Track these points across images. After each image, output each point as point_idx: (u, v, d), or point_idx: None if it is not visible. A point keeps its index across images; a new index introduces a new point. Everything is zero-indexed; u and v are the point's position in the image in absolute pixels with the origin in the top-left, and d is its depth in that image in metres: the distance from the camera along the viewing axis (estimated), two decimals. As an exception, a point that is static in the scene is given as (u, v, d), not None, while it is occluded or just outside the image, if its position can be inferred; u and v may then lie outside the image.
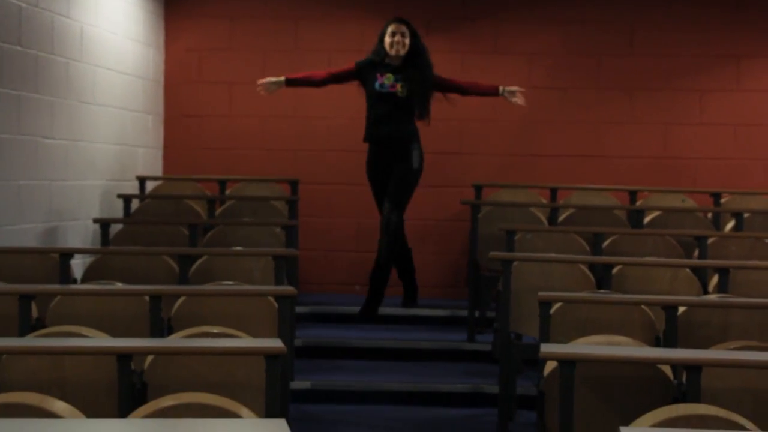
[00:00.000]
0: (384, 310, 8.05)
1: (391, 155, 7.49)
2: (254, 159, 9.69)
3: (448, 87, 7.60)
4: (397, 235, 7.48)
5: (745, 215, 8.13)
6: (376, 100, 7.51)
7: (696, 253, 7.31)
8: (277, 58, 9.72)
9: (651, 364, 4.51)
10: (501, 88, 7.63)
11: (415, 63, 7.49)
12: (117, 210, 8.52)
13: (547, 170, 9.60)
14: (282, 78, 7.69)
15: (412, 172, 7.50)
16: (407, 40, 7.49)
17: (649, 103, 9.67)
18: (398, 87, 7.46)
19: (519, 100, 7.64)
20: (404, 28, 7.51)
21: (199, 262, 6.55)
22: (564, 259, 6.56)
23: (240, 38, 9.74)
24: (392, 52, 7.46)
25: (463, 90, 7.64)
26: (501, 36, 9.68)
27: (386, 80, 7.49)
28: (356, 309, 8.04)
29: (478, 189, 8.88)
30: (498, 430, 6.13)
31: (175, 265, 6.48)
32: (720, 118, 9.64)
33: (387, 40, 7.49)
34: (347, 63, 7.68)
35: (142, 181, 9.04)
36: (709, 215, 8.47)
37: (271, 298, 5.48)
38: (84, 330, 4.82)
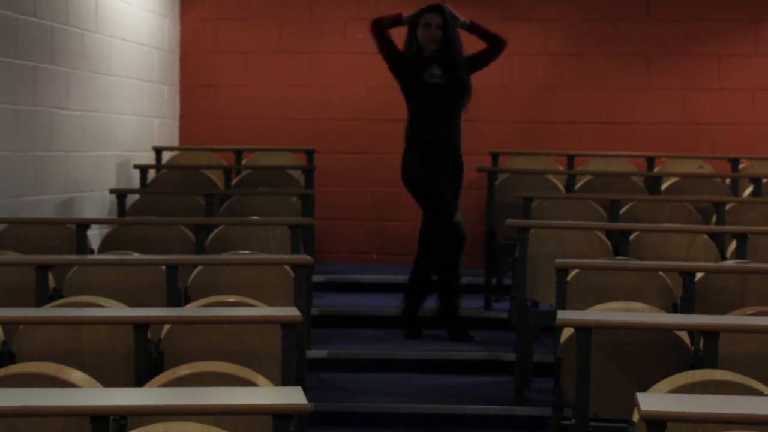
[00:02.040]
0: (399, 278, 8.04)
1: (446, 164, 7.08)
2: (270, 128, 9.68)
3: (479, 60, 7.18)
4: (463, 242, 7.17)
5: (764, 181, 8.08)
6: (426, 95, 7.04)
7: (714, 219, 7.28)
8: (293, 26, 9.70)
9: (668, 330, 4.50)
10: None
11: (452, 52, 7.06)
12: (133, 180, 8.53)
13: (564, 137, 9.56)
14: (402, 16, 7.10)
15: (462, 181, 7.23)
16: (440, 31, 7.04)
17: (666, 68, 9.61)
18: (444, 79, 7.03)
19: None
20: (439, 19, 7.03)
21: (215, 231, 6.56)
22: (581, 226, 6.54)
23: (255, 7, 9.71)
24: (430, 46, 7.02)
25: (488, 53, 7.21)
26: (516, 3, 9.62)
27: (435, 71, 7.06)
28: (372, 278, 8.07)
29: (495, 156, 8.86)
30: (515, 397, 6.13)
31: (191, 235, 6.49)
32: (738, 83, 9.58)
33: (422, 32, 7.04)
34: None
35: (158, 151, 9.05)
36: (727, 181, 8.43)
37: (287, 267, 5.48)
38: (101, 300, 4.84)
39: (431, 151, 7.04)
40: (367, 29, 7.15)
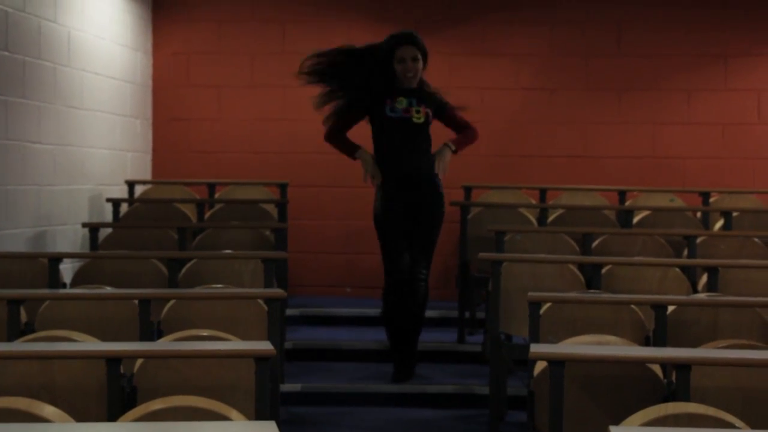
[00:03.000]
0: (373, 311, 8.05)
1: (418, 194, 6.82)
2: (243, 162, 9.69)
3: (452, 124, 6.97)
4: (426, 298, 6.88)
5: (734, 214, 8.14)
6: (388, 129, 6.78)
7: (685, 252, 7.32)
8: (265, 61, 9.72)
9: (641, 364, 4.51)
10: (450, 144, 6.89)
11: (426, 86, 6.88)
12: (106, 214, 8.51)
13: (536, 171, 9.61)
14: (362, 151, 6.90)
15: (440, 216, 6.87)
16: (419, 65, 6.79)
17: (637, 103, 9.69)
18: (413, 112, 6.79)
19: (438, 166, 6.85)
20: (416, 52, 6.78)
21: (188, 265, 6.55)
22: (553, 260, 6.57)
23: (227, 42, 9.74)
24: (405, 81, 6.77)
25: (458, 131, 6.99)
26: (488, 37, 9.69)
27: (398, 104, 6.80)
28: (346, 311, 8.05)
29: (468, 190, 8.88)
30: (489, 430, 6.13)
31: (164, 269, 6.47)
32: (708, 118, 9.66)
33: (398, 67, 6.76)
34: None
35: (131, 185, 9.03)
36: (698, 214, 8.48)
37: (260, 301, 5.47)
38: (73, 334, 4.82)
39: (397, 181, 6.81)
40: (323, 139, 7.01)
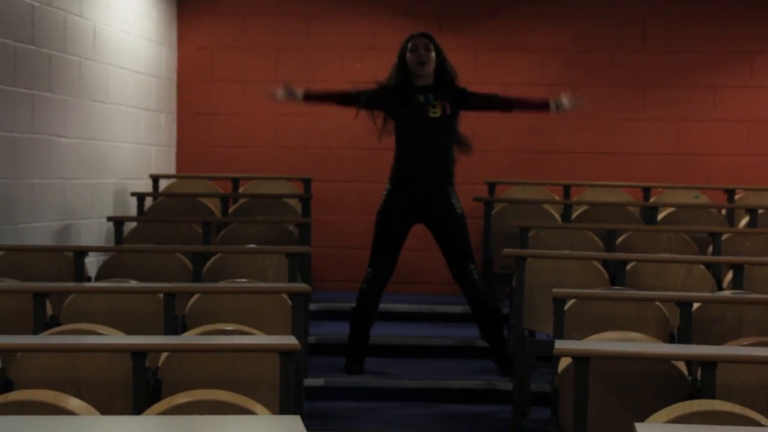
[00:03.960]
0: (396, 306, 8.05)
1: (425, 198, 6.82)
2: (267, 157, 9.70)
3: (487, 103, 6.96)
4: (485, 292, 6.88)
5: (759, 211, 8.10)
6: (405, 126, 6.78)
7: (710, 249, 7.30)
8: (289, 55, 9.73)
9: (665, 361, 4.50)
10: (552, 103, 6.85)
11: (445, 80, 6.82)
12: (131, 208, 8.54)
13: (560, 167, 9.59)
14: (300, 91, 7.06)
15: (461, 218, 6.85)
16: (432, 54, 6.78)
17: (661, 99, 9.65)
18: (429, 108, 6.77)
19: (571, 102, 6.84)
20: (427, 41, 6.81)
21: (212, 259, 6.56)
22: (577, 256, 6.55)
23: (252, 36, 9.75)
24: (418, 70, 6.77)
25: (508, 106, 7.01)
26: (512, 33, 9.67)
27: (414, 101, 6.77)
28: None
29: (491, 186, 8.87)
30: (512, 426, 6.12)
31: (188, 263, 6.49)
32: (733, 115, 9.62)
33: (410, 57, 6.78)
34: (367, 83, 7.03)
35: (155, 179, 9.05)
36: (723, 211, 8.44)
37: (284, 296, 5.48)
38: (98, 328, 4.83)
39: (411, 182, 6.83)
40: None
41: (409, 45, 6.85)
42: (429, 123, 6.80)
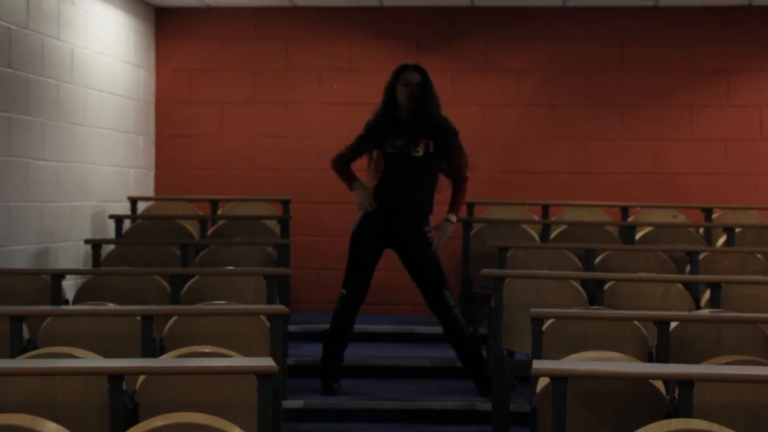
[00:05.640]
0: (375, 327, 8.05)
1: (399, 228, 6.88)
2: (245, 178, 9.70)
3: (450, 164, 6.92)
4: (462, 319, 6.90)
5: (737, 230, 8.14)
6: (389, 163, 6.82)
7: (688, 268, 7.32)
8: (268, 77, 9.74)
9: (643, 380, 4.50)
10: (452, 216, 6.93)
11: (431, 115, 6.82)
12: (108, 231, 8.52)
13: (538, 187, 9.61)
14: (359, 183, 6.96)
15: (425, 242, 6.88)
16: (422, 92, 6.79)
17: (639, 119, 9.70)
18: (412, 146, 6.79)
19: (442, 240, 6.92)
20: (418, 77, 6.81)
21: (190, 282, 6.55)
22: (556, 276, 6.56)
23: (230, 58, 9.76)
24: (407, 104, 6.78)
25: (453, 181, 6.98)
26: (491, 54, 9.70)
27: (399, 139, 6.81)
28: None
29: (470, 206, 8.89)
30: (491, 447, 6.12)
31: (166, 286, 6.47)
32: (710, 134, 9.67)
33: (402, 90, 6.79)
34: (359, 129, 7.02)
35: (133, 201, 9.04)
36: (701, 230, 8.48)
37: (263, 317, 5.47)
38: (75, 351, 4.81)
39: (385, 210, 6.87)
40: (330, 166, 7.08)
41: (401, 77, 6.85)
42: (412, 160, 6.83)
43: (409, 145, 6.81)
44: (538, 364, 4.47)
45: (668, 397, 4.55)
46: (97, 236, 8.32)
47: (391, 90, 6.89)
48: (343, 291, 7.01)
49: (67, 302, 6.53)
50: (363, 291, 7.00)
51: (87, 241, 7.73)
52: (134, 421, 4.21)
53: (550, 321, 5.49)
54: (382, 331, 8.34)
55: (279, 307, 5.51)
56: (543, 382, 4.64)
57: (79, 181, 8.15)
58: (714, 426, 3.83)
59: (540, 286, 6.38)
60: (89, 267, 7.68)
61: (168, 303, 6.36)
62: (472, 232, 8.21)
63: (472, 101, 9.61)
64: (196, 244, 7.97)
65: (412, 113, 6.84)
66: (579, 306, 6.25)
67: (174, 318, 5.53)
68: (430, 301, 6.95)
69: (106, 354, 4.96)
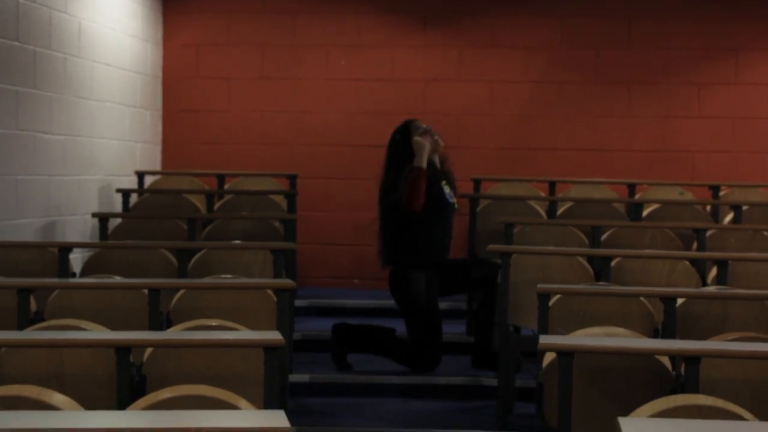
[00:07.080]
0: (384, 303, 8.05)
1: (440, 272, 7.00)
2: (252, 154, 9.70)
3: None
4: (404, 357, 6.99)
5: (744, 208, 8.13)
6: (441, 214, 6.91)
7: (695, 245, 7.31)
8: (275, 52, 9.73)
9: (649, 355, 4.51)
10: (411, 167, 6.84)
11: (448, 167, 7.06)
12: (115, 204, 8.52)
13: (546, 164, 9.60)
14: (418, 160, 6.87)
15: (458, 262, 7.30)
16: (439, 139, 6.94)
17: (647, 96, 9.67)
18: (450, 196, 6.98)
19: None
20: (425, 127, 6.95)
21: (197, 255, 6.55)
22: (562, 252, 6.56)
23: (237, 33, 9.74)
24: (434, 156, 6.91)
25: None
26: (498, 30, 9.68)
27: (446, 188, 6.95)
28: (354, 302, 8.03)
29: (477, 182, 8.88)
30: (497, 422, 6.13)
31: (173, 259, 6.48)
32: (718, 111, 9.64)
33: (426, 138, 6.86)
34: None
35: (140, 175, 9.04)
36: (708, 208, 8.47)
37: (269, 291, 5.48)
38: (83, 323, 4.83)
39: (436, 265, 6.95)
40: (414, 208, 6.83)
41: (418, 130, 6.89)
42: (452, 211, 6.99)
43: (451, 193, 7.00)
44: (544, 340, 4.48)
45: (674, 373, 4.56)
46: (104, 210, 8.32)
47: (405, 144, 6.87)
48: (427, 352, 6.89)
49: (74, 275, 6.54)
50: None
51: (94, 215, 7.73)
52: (141, 393, 4.22)
53: (557, 297, 5.49)
54: (387, 307, 8.34)
55: (285, 281, 5.52)
56: (549, 357, 4.65)
57: (86, 155, 8.15)
58: (720, 402, 3.83)
59: (547, 262, 6.38)
60: (96, 240, 7.69)
61: (175, 276, 6.38)
62: (478, 209, 8.21)
63: (479, 77, 9.59)
64: (202, 218, 7.98)
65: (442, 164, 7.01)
66: (585, 282, 6.25)
67: (181, 291, 5.54)
68: (479, 287, 7.03)
69: (113, 327, 4.98)
